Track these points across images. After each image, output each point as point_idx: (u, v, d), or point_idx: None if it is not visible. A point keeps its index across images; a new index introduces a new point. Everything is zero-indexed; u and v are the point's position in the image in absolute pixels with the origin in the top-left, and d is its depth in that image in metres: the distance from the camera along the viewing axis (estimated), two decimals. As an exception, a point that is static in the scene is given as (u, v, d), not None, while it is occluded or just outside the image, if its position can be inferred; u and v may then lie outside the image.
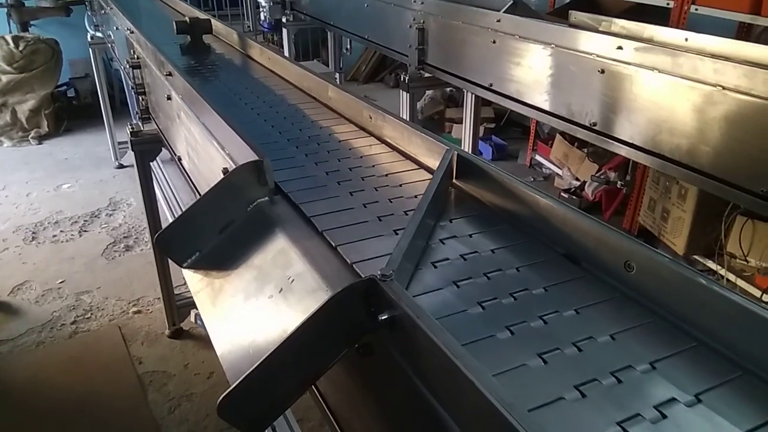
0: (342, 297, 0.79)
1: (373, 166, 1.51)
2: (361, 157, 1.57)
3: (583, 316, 0.94)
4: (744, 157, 1.59)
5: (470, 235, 1.17)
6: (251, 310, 1.02)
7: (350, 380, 0.95)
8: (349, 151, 1.62)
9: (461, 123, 3.29)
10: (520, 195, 1.16)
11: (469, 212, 1.25)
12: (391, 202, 1.31)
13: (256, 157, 1.20)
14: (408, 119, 2.94)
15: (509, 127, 5.70)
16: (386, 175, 1.45)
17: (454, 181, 1.33)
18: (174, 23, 2.88)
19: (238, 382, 0.77)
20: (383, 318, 0.79)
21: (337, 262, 1.05)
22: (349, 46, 4.75)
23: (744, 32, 3.36)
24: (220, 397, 0.77)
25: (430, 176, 1.41)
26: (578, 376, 0.81)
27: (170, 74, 1.84)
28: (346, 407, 1.00)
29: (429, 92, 5.75)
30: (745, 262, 3.19)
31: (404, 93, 2.95)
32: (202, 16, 3.17)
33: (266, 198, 1.24)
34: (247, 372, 0.78)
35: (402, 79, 2.94)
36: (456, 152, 1.30)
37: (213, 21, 3.09)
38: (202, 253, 1.19)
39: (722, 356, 0.84)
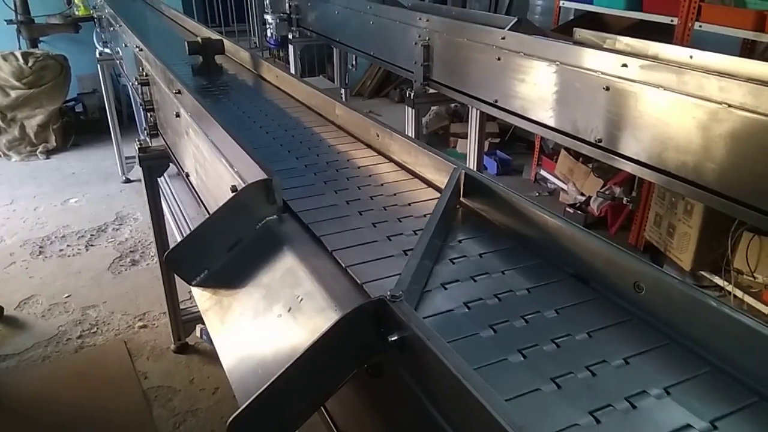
0: (351, 318, 0.80)
1: (382, 184, 1.52)
2: (381, 182, 1.57)
3: (596, 339, 0.93)
4: (750, 174, 1.59)
5: (480, 255, 1.17)
6: (260, 329, 1.02)
7: (359, 400, 0.95)
8: (358, 169, 1.63)
9: (466, 138, 3.30)
10: (528, 214, 1.16)
11: (477, 231, 1.26)
12: (400, 221, 1.32)
13: (265, 176, 1.21)
14: (413, 134, 2.96)
15: (514, 142, 5.71)
16: (395, 194, 1.46)
17: (461, 199, 1.33)
18: (186, 44, 2.82)
19: (248, 402, 0.78)
20: (393, 339, 0.79)
21: (345, 281, 1.05)
22: (354, 62, 4.79)
23: (748, 49, 3.37)
24: (231, 418, 0.78)
25: (437, 194, 1.43)
26: (592, 401, 0.80)
27: (179, 92, 1.86)
28: (355, 428, 0.99)
29: (434, 108, 5.77)
30: (752, 279, 3.17)
31: (409, 108, 2.97)
32: (214, 36, 3.13)
33: (275, 216, 1.25)
34: (257, 393, 0.78)
35: (407, 95, 2.96)
36: (463, 171, 1.30)
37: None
38: (211, 271, 1.20)
39: (736, 380, 0.84)
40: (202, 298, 1.17)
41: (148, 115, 2.48)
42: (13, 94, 5.63)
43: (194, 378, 2.86)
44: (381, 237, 1.24)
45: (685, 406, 0.79)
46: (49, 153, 5.80)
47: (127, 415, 2.65)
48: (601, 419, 0.77)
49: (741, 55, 2.17)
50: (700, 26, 3.27)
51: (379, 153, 1.72)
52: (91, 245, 4.09)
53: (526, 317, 0.98)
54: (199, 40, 2.88)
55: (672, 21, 3.41)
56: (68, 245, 4.08)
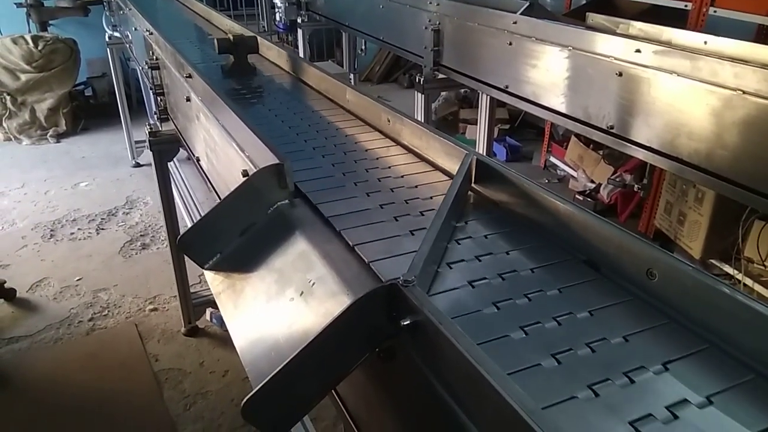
0: (364, 302, 0.80)
1: (390, 167, 1.53)
2: (389, 165, 1.57)
3: (597, 318, 0.95)
4: (763, 161, 1.57)
5: (490, 240, 1.18)
6: (272, 313, 1.03)
7: (370, 383, 0.96)
8: (366, 152, 1.63)
9: (475, 124, 3.28)
10: (540, 200, 1.16)
11: (488, 217, 1.26)
12: (407, 202, 1.33)
13: (277, 160, 1.21)
14: (422, 120, 2.95)
15: (524, 129, 5.68)
16: (402, 176, 1.47)
17: (473, 185, 1.33)
18: (215, 41, 2.47)
19: (261, 385, 0.79)
20: (405, 323, 0.80)
21: (357, 265, 1.06)
22: (363, 47, 4.77)
23: (763, 35, 3.33)
24: (245, 400, 0.79)
25: (443, 176, 1.43)
26: (591, 376, 0.82)
27: (190, 76, 1.86)
28: (365, 410, 1.00)
29: (443, 93, 5.74)
30: (763, 267, 3.16)
31: (419, 94, 2.95)
32: (247, 33, 2.72)
33: (286, 201, 1.25)
34: (270, 375, 0.79)
35: (417, 80, 2.94)
36: (475, 156, 1.30)
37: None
38: (223, 255, 1.21)
39: (737, 360, 0.85)
40: (214, 281, 1.18)
41: (158, 99, 2.48)
42: (23, 77, 5.65)
43: (204, 361, 2.89)
44: (388, 217, 1.26)
45: (683, 381, 0.81)
46: (59, 137, 5.83)
47: (138, 397, 2.69)
48: (600, 392, 0.79)
49: (756, 41, 2.13)
50: (715, 11, 3.22)
51: (390, 138, 1.72)
52: (102, 229, 4.12)
53: (529, 295, 1.00)
54: (230, 38, 2.50)
55: (686, 6, 3.36)
56: (79, 229, 4.12)
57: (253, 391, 0.79)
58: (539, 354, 0.86)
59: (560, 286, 1.02)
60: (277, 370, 0.79)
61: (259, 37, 2.95)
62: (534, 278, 1.05)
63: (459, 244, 1.16)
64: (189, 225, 3.48)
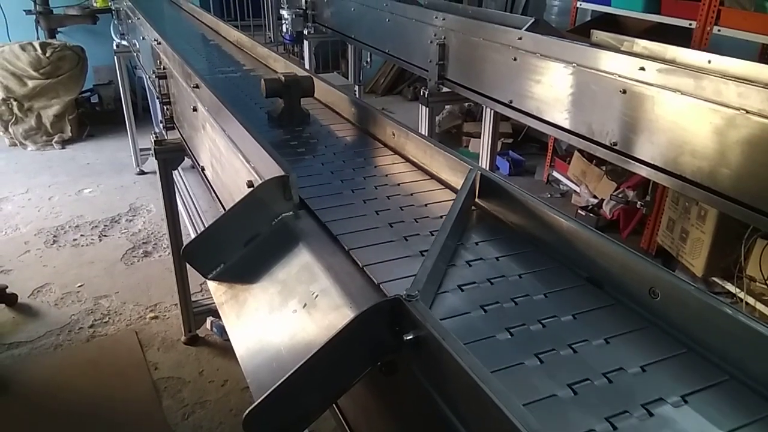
0: (368, 316, 0.80)
1: (387, 175, 1.53)
2: (386, 173, 1.59)
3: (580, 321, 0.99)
4: (766, 180, 1.58)
5: (497, 259, 1.18)
6: (275, 324, 1.03)
7: (370, 396, 0.95)
8: (364, 160, 1.64)
9: (479, 137, 3.29)
10: (543, 217, 1.16)
11: (491, 232, 1.26)
12: (402, 209, 1.34)
13: (282, 172, 1.22)
14: (426, 133, 2.96)
15: (527, 143, 5.70)
16: (399, 184, 1.48)
17: (476, 200, 1.34)
18: (262, 82, 1.98)
19: (263, 397, 0.79)
20: (408, 338, 0.80)
21: (361, 279, 1.06)
22: (369, 59, 4.80)
23: (767, 55, 3.34)
24: (247, 411, 0.79)
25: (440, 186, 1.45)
26: (572, 376, 0.85)
27: (197, 86, 1.88)
28: (366, 423, 1.00)
29: (447, 106, 5.77)
30: (765, 286, 3.15)
31: (423, 107, 2.97)
32: (301, 72, 2.21)
33: (291, 212, 1.26)
34: (273, 387, 0.79)
35: (422, 93, 2.96)
36: (479, 172, 1.31)
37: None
38: (227, 266, 1.21)
39: (716, 366, 0.87)
40: (218, 291, 1.18)
41: (165, 108, 2.49)
42: (31, 83, 5.69)
43: (204, 370, 2.89)
44: (383, 224, 1.29)
45: (660, 383, 0.84)
46: (64, 143, 5.86)
47: (136, 405, 2.68)
48: (579, 391, 0.83)
49: (760, 61, 2.14)
50: (719, 30, 3.24)
51: (395, 151, 1.73)
52: (105, 236, 4.13)
53: (542, 321, 1.00)
54: (281, 78, 2.01)
55: (690, 24, 3.39)
56: (82, 235, 4.12)
57: (255, 403, 0.79)
58: (523, 354, 0.89)
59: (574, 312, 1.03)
60: (280, 382, 0.79)
61: (265, 48, 2.98)
62: (525, 285, 1.08)
63: (469, 265, 1.15)
64: (192, 233, 3.50)
